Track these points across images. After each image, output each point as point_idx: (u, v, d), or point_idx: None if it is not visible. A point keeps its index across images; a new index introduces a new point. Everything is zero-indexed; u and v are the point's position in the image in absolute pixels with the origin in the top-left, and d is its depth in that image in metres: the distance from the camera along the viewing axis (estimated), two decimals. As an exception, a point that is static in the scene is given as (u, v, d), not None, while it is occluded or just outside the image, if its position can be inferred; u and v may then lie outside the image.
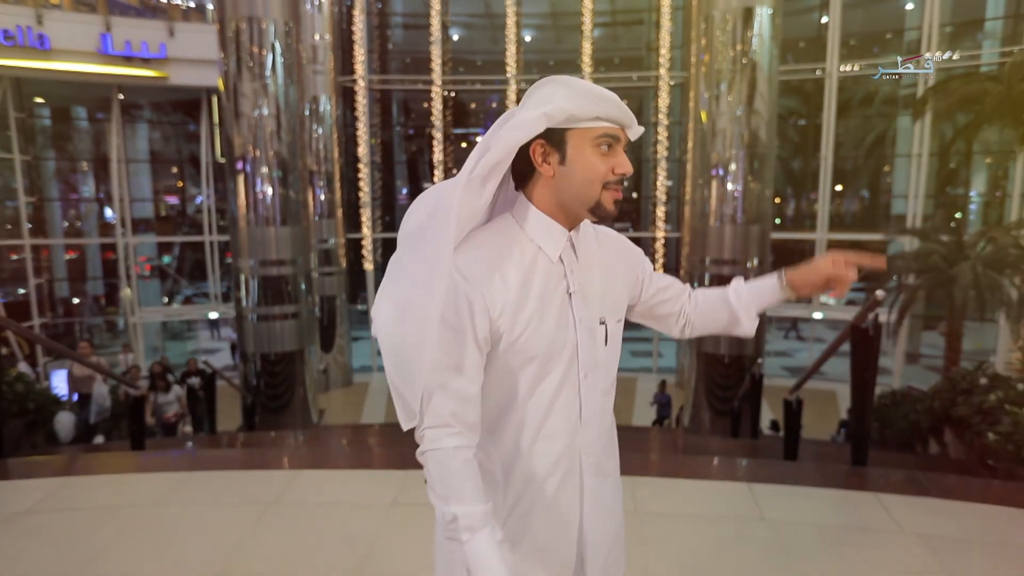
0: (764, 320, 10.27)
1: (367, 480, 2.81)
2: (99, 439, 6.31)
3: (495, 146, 0.97)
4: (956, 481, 2.83)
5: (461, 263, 0.98)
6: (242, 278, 9.59)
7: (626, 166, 1.00)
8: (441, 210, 0.96)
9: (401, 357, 0.99)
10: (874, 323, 2.92)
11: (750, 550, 2.22)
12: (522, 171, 1.03)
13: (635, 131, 1.03)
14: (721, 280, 9.74)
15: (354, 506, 2.54)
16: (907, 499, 2.55)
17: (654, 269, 1.22)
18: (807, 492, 2.66)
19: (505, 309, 0.98)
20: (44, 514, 2.47)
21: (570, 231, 1.04)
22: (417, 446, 1.02)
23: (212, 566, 2.13)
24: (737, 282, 1.22)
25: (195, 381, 8.02)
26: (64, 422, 6.00)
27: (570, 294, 1.03)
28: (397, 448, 3.30)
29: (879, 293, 2.83)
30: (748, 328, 1.19)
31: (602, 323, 1.07)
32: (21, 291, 13.81)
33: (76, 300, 15.67)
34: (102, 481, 2.85)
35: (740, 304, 1.19)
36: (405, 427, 1.01)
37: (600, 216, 1.02)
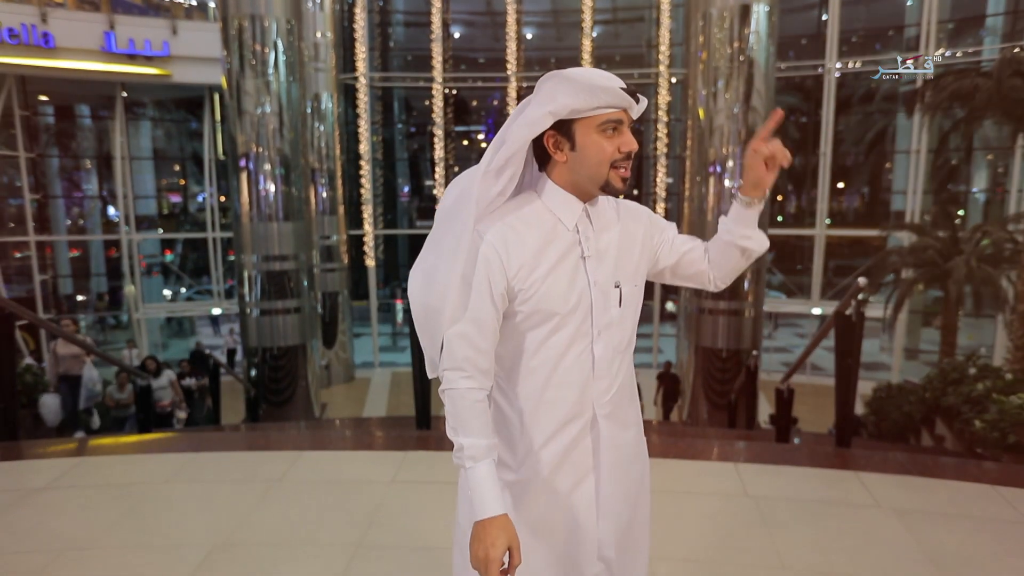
0: (761, 316, 10.36)
1: (368, 460, 2.93)
2: (95, 421, 6.22)
3: (508, 140, 1.11)
4: (934, 461, 2.93)
5: (483, 228, 1.12)
6: (245, 274, 9.70)
7: (631, 144, 1.12)
8: (464, 194, 1.13)
9: (426, 318, 1.16)
10: (857, 310, 3.02)
11: (732, 522, 2.32)
12: (541, 157, 1.18)
13: (638, 108, 1.13)
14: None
15: (356, 482, 2.66)
16: (886, 477, 2.66)
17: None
18: (790, 471, 2.77)
19: (522, 268, 1.11)
20: (60, 491, 2.59)
21: (586, 203, 1.16)
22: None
23: (219, 537, 2.24)
24: (723, 221, 1.29)
25: (191, 382, 7.93)
26: (49, 405, 5.87)
27: (584, 258, 1.15)
28: (397, 431, 3.41)
29: (861, 280, 2.93)
30: (757, 243, 1.26)
31: (617, 286, 1.17)
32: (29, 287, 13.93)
33: (81, 297, 15.80)
34: (113, 461, 2.97)
35: (737, 235, 1.25)
36: (430, 376, 1.19)
37: (610, 192, 1.15)
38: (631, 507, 1.25)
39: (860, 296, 2.96)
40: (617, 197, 1.18)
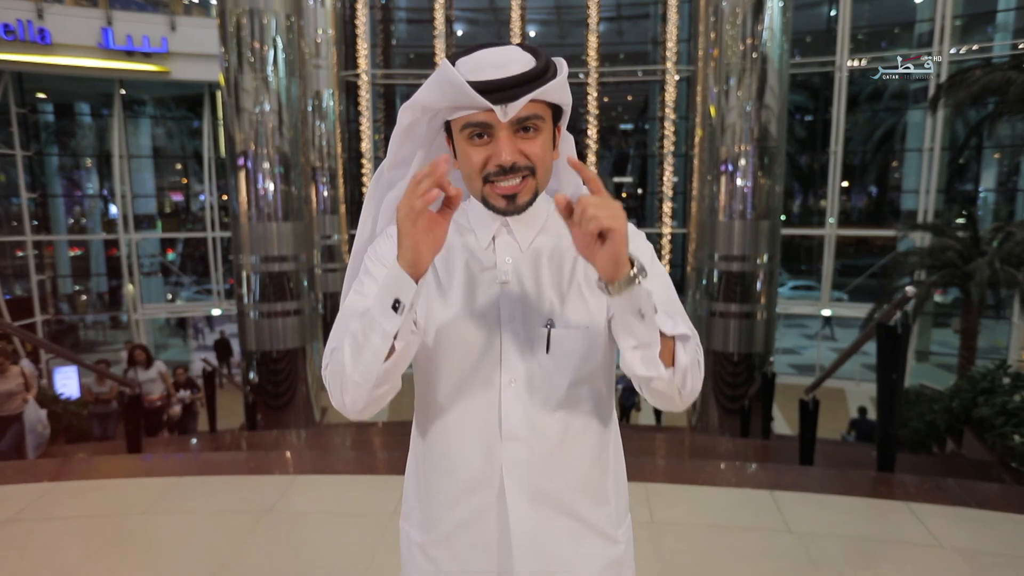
0: (774, 319, 10.09)
1: (367, 486, 2.67)
2: None
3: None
4: (991, 489, 2.67)
5: (391, 228, 0.96)
6: (244, 275, 9.49)
7: (501, 155, 0.83)
8: (374, 186, 1.02)
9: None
10: (903, 321, 2.76)
11: (778, 565, 2.06)
12: None
13: (506, 110, 0.82)
14: (731, 277, 9.57)
15: (354, 515, 2.40)
16: (940, 509, 2.39)
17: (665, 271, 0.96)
18: (833, 501, 2.51)
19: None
20: (25, 523, 2.34)
21: (507, 215, 0.89)
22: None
23: (200, 580, 1.99)
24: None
25: (185, 394, 7.33)
26: None
27: (501, 284, 0.91)
28: (399, 452, 3.15)
29: (909, 289, 2.67)
30: (645, 366, 0.84)
31: (548, 326, 0.90)
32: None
33: (83, 297, 15.62)
34: (89, 487, 2.72)
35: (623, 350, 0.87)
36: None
37: (495, 212, 0.88)
38: None
39: (908, 306, 2.69)
40: (505, 216, 0.89)
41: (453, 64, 0.84)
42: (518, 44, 0.88)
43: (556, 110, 0.89)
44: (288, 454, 3.25)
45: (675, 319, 0.87)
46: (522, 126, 0.84)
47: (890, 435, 2.86)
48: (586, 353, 0.91)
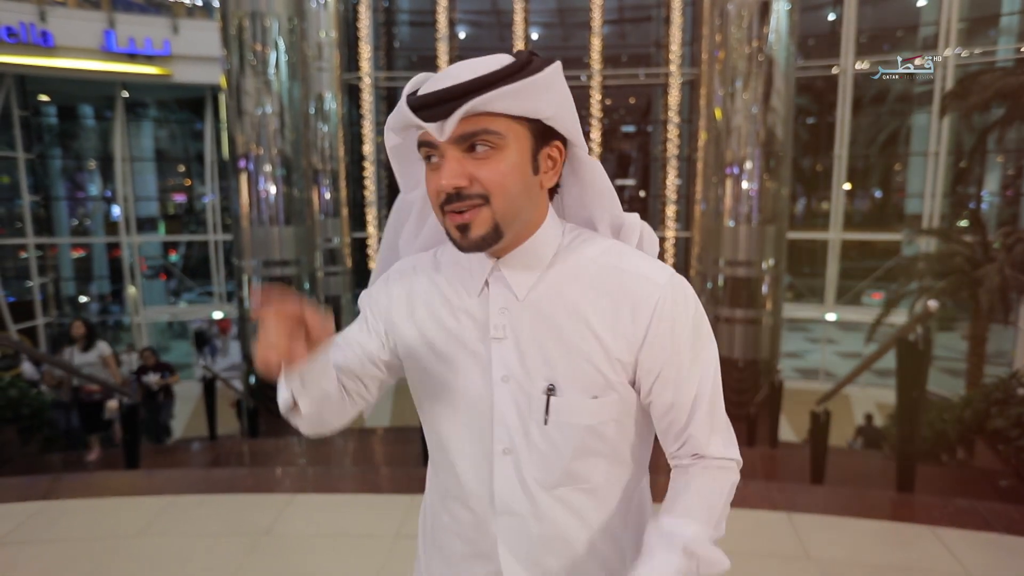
0: (780, 325, 9.99)
1: (369, 506, 2.58)
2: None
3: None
4: (1018, 513, 2.57)
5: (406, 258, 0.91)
6: (245, 279, 9.42)
7: (440, 180, 0.72)
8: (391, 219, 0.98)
9: None
10: (924, 335, 2.66)
11: (798, 596, 1.97)
12: None
13: (440, 128, 0.70)
14: (736, 281, 9.48)
15: (355, 537, 2.31)
16: (967, 534, 2.29)
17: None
18: (854, 525, 2.41)
19: (404, 316, 0.84)
20: (14, 547, 2.25)
21: (496, 258, 0.78)
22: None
23: (195, 610, 1.91)
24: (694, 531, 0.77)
25: (151, 378, 6.48)
26: None
27: (491, 340, 0.78)
28: (403, 469, 3.07)
29: (931, 303, 2.57)
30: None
31: (549, 391, 0.77)
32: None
33: (84, 299, 15.58)
34: (82, 506, 2.63)
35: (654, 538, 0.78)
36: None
37: (457, 248, 0.76)
38: None
39: (929, 321, 2.60)
40: (467, 252, 0.76)
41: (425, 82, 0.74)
42: (515, 51, 0.75)
43: (543, 125, 0.74)
44: (288, 471, 3.16)
45: (713, 434, 0.79)
46: (469, 144, 0.71)
47: (911, 454, 2.76)
48: (593, 427, 0.77)
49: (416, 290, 0.84)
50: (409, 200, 0.90)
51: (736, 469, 0.82)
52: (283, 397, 0.80)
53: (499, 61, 0.71)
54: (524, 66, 0.71)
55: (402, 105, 0.73)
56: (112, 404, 5.24)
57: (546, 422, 0.77)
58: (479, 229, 0.73)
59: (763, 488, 2.87)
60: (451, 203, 0.72)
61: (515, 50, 0.76)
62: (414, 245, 0.91)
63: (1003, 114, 7.74)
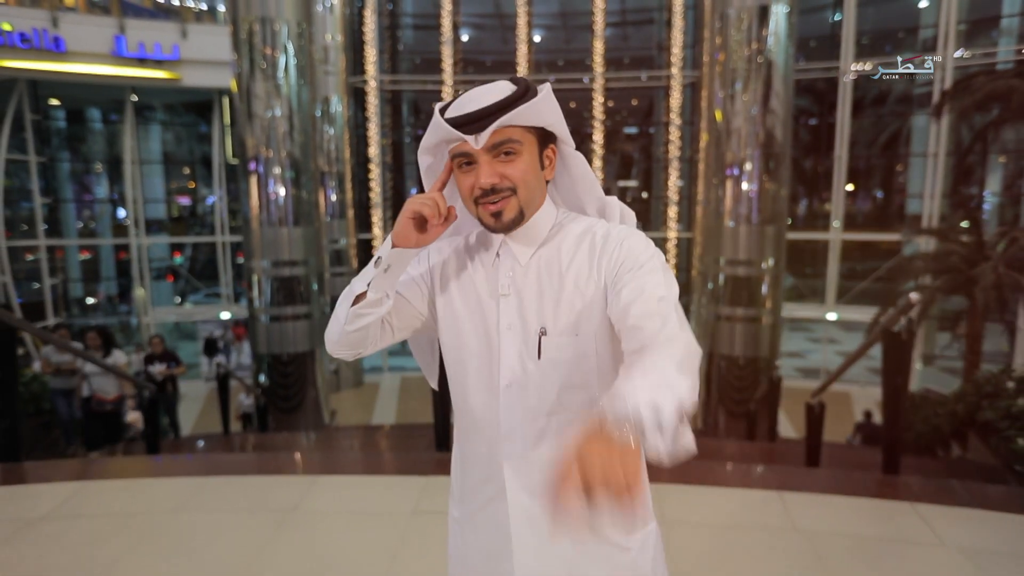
0: (779, 323, 10.14)
1: (387, 486, 2.76)
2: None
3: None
4: (995, 491, 2.73)
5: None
6: (255, 279, 9.60)
7: (481, 179, 0.95)
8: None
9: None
10: (907, 327, 2.83)
11: (784, 561, 2.14)
12: None
13: (478, 139, 0.94)
14: (736, 281, 9.62)
15: (375, 514, 2.49)
16: (945, 510, 2.46)
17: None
18: (840, 501, 2.58)
19: (438, 281, 1.07)
20: (61, 520, 2.44)
21: (504, 234, 1.02)
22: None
23: (232, 572, 2.08)
24: (634, 370, 0.82)
25: (157, 368, 6.39)
26: None
27: (499, 296, 1.01)
28: (417, 454, 3.24)
29: (913, 295, 2.74)
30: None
31: (540, 333, 0.97)
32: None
33: (91, 300, 15.78)
34: (117, 486, 2.82)
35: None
36: (432, 385, 1.18)
37: (488, 230, 1.01)
38: None
39: (912, 312, 2.76)
40: (495, 233, 1.01)
41: (447, 107, 0.97)
42: (510, 78, 0.99)
43: (544, 131, 0.99)
44: (311, 455, 3.34)
45: (667, 321, 0.85)
46: (501, 151, 0.95)
47: (896, 437, 2.93)
48: (576, 360, 0.97)
49: (448, 261, 1.08)
50: None
51: (692, 342, 0.85)
52: (357, 287, 1.00)
53: (508, 87, 0.96)
54: (528, 89, 0.96)
55: (440, 124, 0.95)
56: (134, 417, 5.20)
57: (539, 357, 0.97)
58: (509, 214, 0.97)
59: (757, 471, 3.03)
60: (486, 196, 0.96)
61: (511, 77, 1.01)
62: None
63: (995, 116, 7.88)
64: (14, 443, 3.03)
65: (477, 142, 0.94)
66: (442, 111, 0.96)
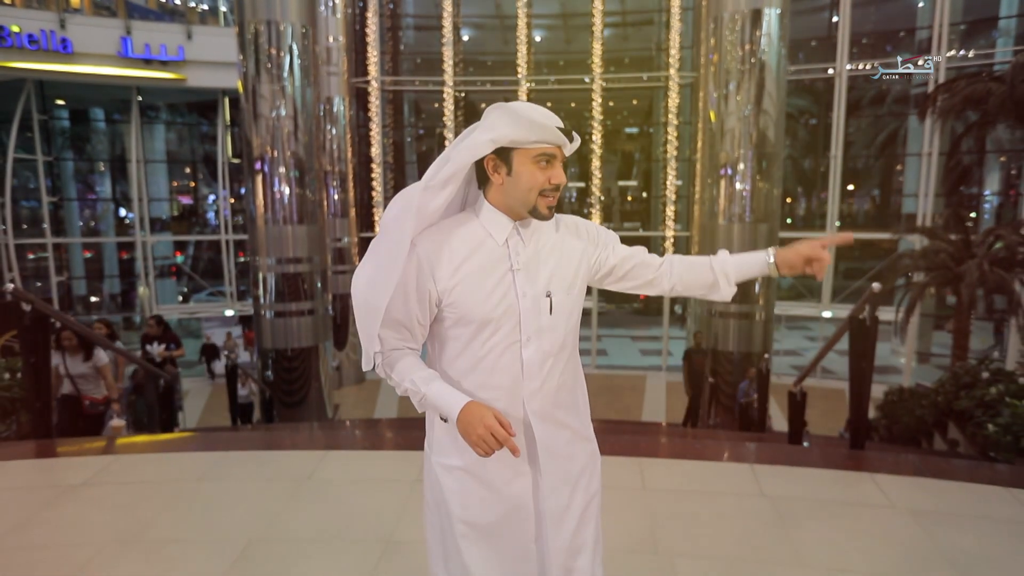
0: (772, 319, 10.38)
1: (391, 458, 3.01)
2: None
3: (452, 160, 1.22)
4: (947, 463, 2.97)
5: (419, 240, 1.25)
6: (260, 276, 9.83)
7: (560, 177, 1.24)
8: (406, 208, 1.22)
9: (367, 315, 1.26)
10: (871, 314, 3.07)
11: (750, 521, 2.38)
12: (481, 176, 1.29)
13: (571, 147, 1.26)
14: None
15: (382, 481, 2.74)
16: (900, 479, 2.71)
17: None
18: (805, 472, 2.83)
19: (448, 278, 1.24)
20: (98, 487, 2.69)
21: (517, 221, 1.28)
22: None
23: (255, 532, 2.33)
24: (723, 252, 1.40)
25: (156, 349, 6.05)
26: None
27: (513, 271, 1.26)
28: (418, 432, 3.47)
29: (875, 286, 2.98)
30: (726, 293, 1.40)
31: (548, 296, 1.28)
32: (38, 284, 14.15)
33: (95, 299, 16.01)
34: (145, 459, 3.07)
35: (720, 271, 1.38)
36: (365, 368, 1.28)
37: (537, 217, 1.27)
38: (568, 497, 1.33)
39: (875, 303, 3.01)
40: (544, 221, 1.28)
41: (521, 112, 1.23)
42: None
43: None
44: (322, 432, 3.58)
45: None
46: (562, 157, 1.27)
47: (861, 416, 3.17)
48: (572, 310, 1.32)
49: (455, 247, 1.26)
50: (425, 196, 1.25)
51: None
52: (413, 392, 1.27)
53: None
54: None
55: (549, 128, 1.21)
56: (117, 423, 4.60)
57: (551, 313, 1.29)
58: (555, 207, 1.29)
59: (731, 445, 3.28)
60: (555, 191, 1.25)
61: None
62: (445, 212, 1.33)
63: (977, 118, 8.10)
64: (47, 422, 3.27)
65: (568, 149, 1.25)
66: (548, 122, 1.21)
